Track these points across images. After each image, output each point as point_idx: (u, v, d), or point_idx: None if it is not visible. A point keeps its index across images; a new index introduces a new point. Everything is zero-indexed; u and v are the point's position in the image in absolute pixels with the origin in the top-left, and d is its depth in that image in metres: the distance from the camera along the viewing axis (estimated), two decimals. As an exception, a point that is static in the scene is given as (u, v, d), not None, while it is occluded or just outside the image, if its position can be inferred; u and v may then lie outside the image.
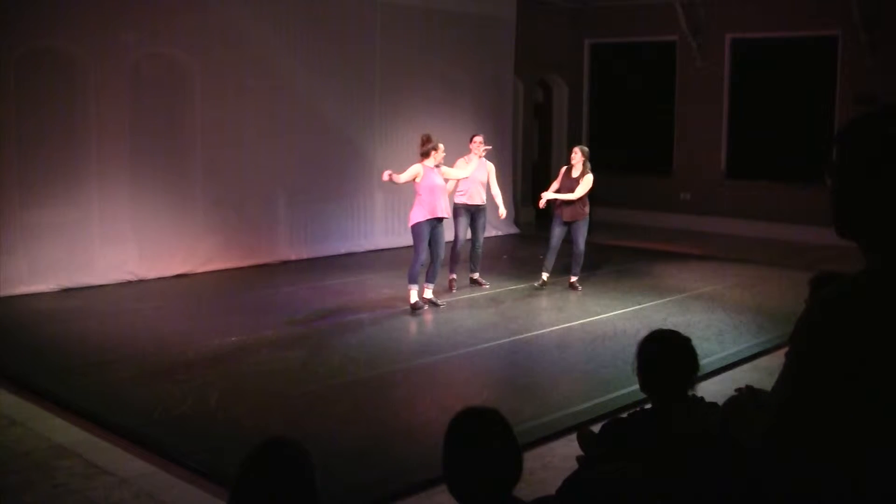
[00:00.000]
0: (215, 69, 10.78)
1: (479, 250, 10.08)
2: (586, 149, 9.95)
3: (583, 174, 9.73)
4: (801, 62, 14.18)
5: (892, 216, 1.60)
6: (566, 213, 9.80)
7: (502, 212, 10.17)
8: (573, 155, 9.85)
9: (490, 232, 13.35)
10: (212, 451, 5.38)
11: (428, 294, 9.13)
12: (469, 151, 9.87)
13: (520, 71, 14.91)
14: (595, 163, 16.72)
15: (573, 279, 10.03)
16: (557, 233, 9.89)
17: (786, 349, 1.77)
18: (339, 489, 4.71)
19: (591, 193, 9.90)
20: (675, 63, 15.31)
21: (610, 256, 12.24)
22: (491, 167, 10.10)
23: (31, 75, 9.41)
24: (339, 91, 12.07)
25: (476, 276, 10.10)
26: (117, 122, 10.05)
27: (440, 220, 8.98)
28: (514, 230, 14.56)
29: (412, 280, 8.90)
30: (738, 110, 14.85)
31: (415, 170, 8.92)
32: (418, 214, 8.89)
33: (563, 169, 9.99)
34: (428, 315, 8.85)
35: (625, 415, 3.59)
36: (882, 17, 13.04)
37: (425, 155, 8.95)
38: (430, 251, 8.99)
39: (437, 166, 9.00)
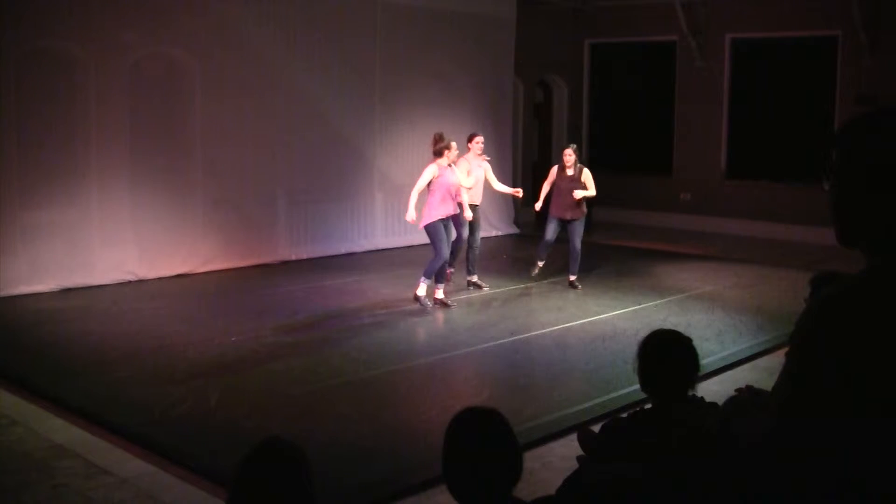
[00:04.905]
0: (215, 69, 10.78)
1: (477, 251, 10.04)
2: (575, 146, 10.25)
3: (580, 172, 9.85)
4: (801, 62, 14.18)
5: (892, 217, 1.60)
6: (569, 213, 9.89)
7: (519, 191, 10.42)
8: (567, 157, 9.92)
9: (490, 232, 13.38)
10: (212, 451, 5.38)
11: (439, 294, 9.13)
12: (468, 150, 9.90)
13: (520, 71, 14.91)
14: (595, 163, 16.74)
15: (572, 278, 10.09)
16: (553, 228, 10.05)
17: (786, 349, 1.77)
18: (339, 489, 4.71)
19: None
20: (675, 63, 15.31)
21: (610, 256, 12.24)
22: (487, 165, 10.13)
23: (32, 75, 9.41)
24: (339, 91, 12.07)
25: (475, 278, 10.05)
26: (117, 121, 10.05)
27: (450, 218, 9.05)
28: (513, 230, 14.56)
29: (428, 275, 8.92)
30: (738, 110, 14.85)
31: (430, 172, 8.96)
32: (432, 214, 8.90)
33: (555, 168, 10.05)
34: (428, 315, 8.84)
35: (625, 415, 3.59)
36: (882, 17, 13.04)
37: (438, 154, 9.00)
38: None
39: (450, 165, 9.04)
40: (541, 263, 10.24)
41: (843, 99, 13.41)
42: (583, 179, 9.88)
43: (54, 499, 4.82)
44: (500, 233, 14.02)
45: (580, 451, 3.76)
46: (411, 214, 9.07)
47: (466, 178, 9.40)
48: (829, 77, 13.71)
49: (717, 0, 14.65)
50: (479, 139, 10.01)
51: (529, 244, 12.80)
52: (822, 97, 13.78)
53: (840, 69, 13.62)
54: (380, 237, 12.72)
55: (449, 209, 8.98)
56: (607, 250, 12.68)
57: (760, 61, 14.60)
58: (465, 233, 9.74)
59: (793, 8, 13.79)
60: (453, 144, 9.04)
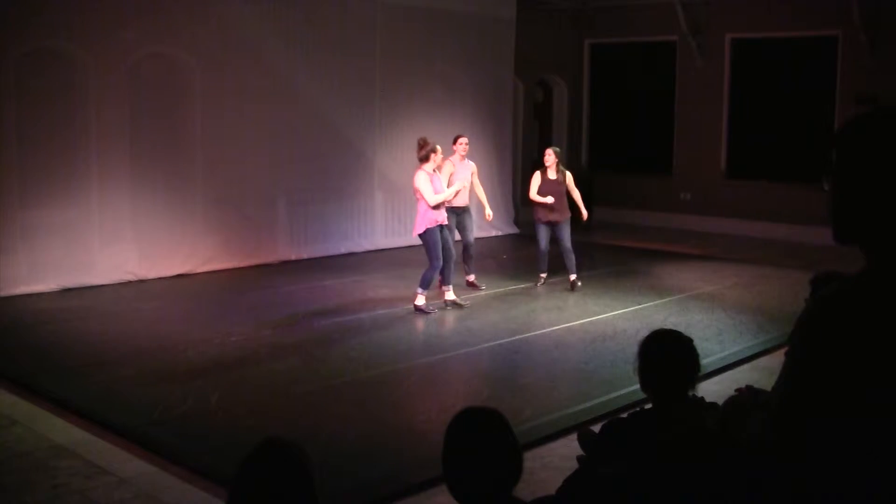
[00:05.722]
0: (215, 69, 10.78)
1: (472, 251, 9.99)
2: (558, 149, 10.22)
3: (562, 175, 9.85)
4: (801, 62, 14.18)
5: (891, 217, 1.60)
6: (554, 216, 9.85)
7: (489, 213, 10.15)
8: (547, 157, 9.91)
9: (490, 232, 13.39)
10: (212, 451, 5.38)
11: (450, 296, 9.07)
12: (452, 153, 9.79)
13: (520, 71, 14.91)
14: (595, 163, 16.73)
15: (573, 277, 10.08)
16: (544, 235, 10.02)
17: (786, 349, 1.77)
18: (340, 489, 4.71)
19: (583, 193, 10.17)
20: (675, 63, 15.31)
21: (610, 256, 12.24)
22: (474, 167, 10.01)
23: (31, 75, 9.42)
24: (339, 91, 12.07)
25: (472, 278, 10.01)
26: (117, 122, 10.05)
27: (445, 224, 8.98)
28: (513, 230, 14.56)
29: (424, 285, 8.84)
30: (738, 110, 14.85)
31: (425, 180, 8.72)
32: (425, 221, 8.78)
33: (537, 174, 9.98)
34: (428, 315, 8.83)
35: (625, 415, 3.59)
36: (882, 17, 13.04)
37: (424, 159, 8.83)
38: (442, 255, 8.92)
39: (437, 169, 8.93)
40: (544, 276, 10.18)
41: (843, 99, 13.41)
42: (566, 182, 9.86)
43: (54, 499, 4.82)
44: (500, 233, 14.01)
45: (580, 451, 3.76)
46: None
47: (448, 190, 9.04)
48: (829, 77, 13.71)
49: (716, 0, 14.65)
50: (464, 140, 9.86)
51: (529, 244, 12.77)
52: (822, 97, 13.78)
53: (840, 69, 13.62)
54: (380, 237, 12.72)
55: (441, 216, 8.84)
56: (607, 250, 12.67)
57: (760, 61, 14.60)
58: (456, 236, 9.61)
59: (793, 8, 13.78)
60: (438, 148, 8.88)
